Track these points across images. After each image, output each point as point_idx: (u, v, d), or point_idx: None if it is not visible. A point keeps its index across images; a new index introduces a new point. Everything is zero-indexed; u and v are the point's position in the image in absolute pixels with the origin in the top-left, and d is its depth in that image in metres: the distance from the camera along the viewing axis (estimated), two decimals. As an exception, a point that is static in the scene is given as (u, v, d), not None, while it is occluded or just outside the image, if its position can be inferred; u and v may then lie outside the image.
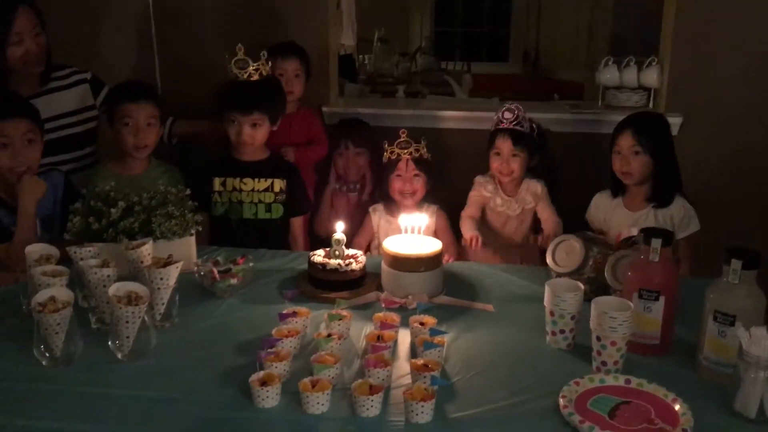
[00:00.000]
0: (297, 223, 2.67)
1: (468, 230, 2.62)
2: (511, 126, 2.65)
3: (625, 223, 2.37)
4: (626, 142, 2.40)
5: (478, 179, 2.79)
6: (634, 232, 2.06)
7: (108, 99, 2.53)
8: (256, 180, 2.57)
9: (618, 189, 2.51)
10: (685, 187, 2.48)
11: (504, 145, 2.66)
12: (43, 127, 2.34)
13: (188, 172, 2.63)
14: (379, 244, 2.73)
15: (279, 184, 2.58)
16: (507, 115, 2.67)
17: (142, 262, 1.82)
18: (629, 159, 2.40)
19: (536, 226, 2.78)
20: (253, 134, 2.52)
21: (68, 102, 2.65)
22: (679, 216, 2.41)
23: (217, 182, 2.57)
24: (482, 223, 2.75)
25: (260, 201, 2.57)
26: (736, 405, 1.44)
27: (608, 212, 2.52)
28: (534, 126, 2.70)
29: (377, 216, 2.83)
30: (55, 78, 2.64)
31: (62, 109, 2.62)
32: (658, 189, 2.42)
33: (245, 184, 2.56)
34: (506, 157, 2.66)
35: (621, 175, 2.44)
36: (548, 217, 2.68)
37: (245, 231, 2.55)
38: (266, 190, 2.57)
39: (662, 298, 1.65)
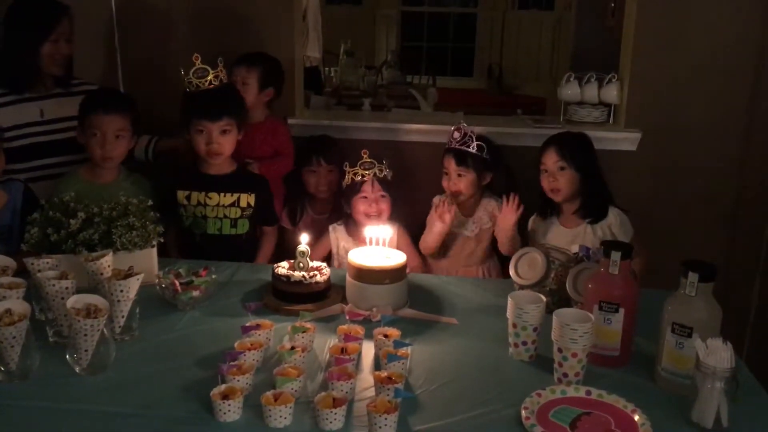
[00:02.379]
0: (270, 230, 2.67)
1: (431, 227, 2.65)
2: (456, 146, 2.66)
3: (564, 241, 2.40)
4: (551, 159, 2.48)
5: (436, 200, 2.77)
6: (575, 248, 2.11)
7: (81, 106, 2.52)
8: (222, 194, 2.51)
9: (548, 209, 2.57)
10: (643, 202, 2.53)
11: (449, 165, 2.68)
12: (3, 137, 2.38)
13: (157, 184, 2.60)
14: (340, 265, 2.70)
15: (246, 198, 2.53)
16: (455, 134, 2.68)
17: (101, 274, 1.79)
18: (556, 175, 2.46)
19: (495, 246, 2.77)
20: (223, 142, 2.47)
21: (74, 108, 2.68)
22: (617, 224, 2.46)
23: (181, 195, 2.51)
24: (441, 245, 2.73)
25: (225, 216, 2.52)
26: (694, 415, 1.47)
27: (546, 233, 2.56)
28: (483, 145, 2.67)
29: (336, 235, 2.78)
30: (69, 85, 2.76)
31: (68, 113, 2.66)
32: (589, 204, 2.48)
33: (210, 198, 2.51)
34: (452, 177, 2.68)
35: (550, 192, 2.49)
36: None
37: (209, 246, 2.50)
38: (232, 204, 2.52)
39: (622, 310, 1.68)
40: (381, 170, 2.64)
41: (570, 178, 2.46)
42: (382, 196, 2.67)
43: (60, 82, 2.73)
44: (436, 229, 2.64)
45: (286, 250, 2.70)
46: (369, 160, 2.64)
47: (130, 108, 2.52)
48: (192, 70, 2.46)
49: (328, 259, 2.80)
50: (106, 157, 2.45)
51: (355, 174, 2.64)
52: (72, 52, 2.71)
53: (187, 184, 2.53)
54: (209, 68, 2.48)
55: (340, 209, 2.83)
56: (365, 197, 2.66)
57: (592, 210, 2.47)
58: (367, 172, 2.63)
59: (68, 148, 2.64)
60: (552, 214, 2.57)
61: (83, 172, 2.51)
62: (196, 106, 2.48)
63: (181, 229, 2.54)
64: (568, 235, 2.47)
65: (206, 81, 2.47)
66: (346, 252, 2.60)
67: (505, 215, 2.55)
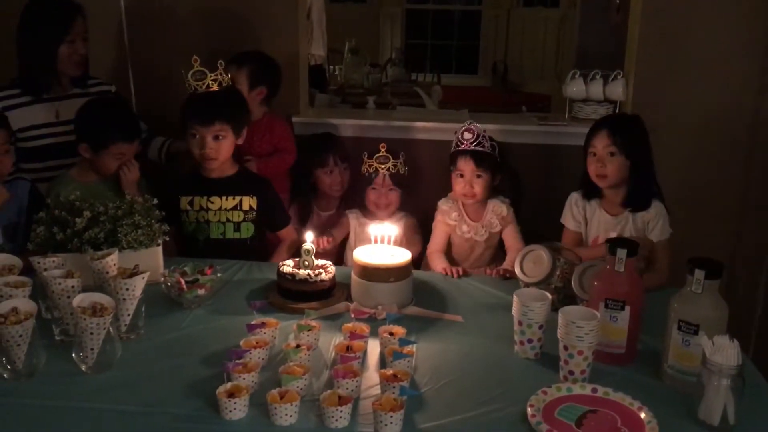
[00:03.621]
0: (285, 233, 2.61)
1: (438, 265, 2.50)
2: (471, 147, 2.60)
3: (604, 227, 2.34)
4: (601, 142, 2.29)
5: (441, 205, 2.71)
6: (614, 235, 2.07)
7: (91, 126, 2.46)
8: (224, 198, 2.45)
9: (591, 193, 2.41)
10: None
11: (466, 166, 2.59)
12: (17, 138, 2.46)
13: (156, 187, 2.58)
14: (357, 245, 2.72)
15: (248, 201, 2.47)
16: (467, 135, 2.61)
17: (107, 272, 1.80)
18: (605, 161, 2.29)
19: (503, 247, 2.74)
20: (217, 147, 2.39)
21: None
22: (655, 220, 2.32)
23: (183, 201, 2.46)
24: (448, 250, 2.69)
25: (228, 220, 2.46)
26: (700, 413, 1.47)
27: (588, 212, 2.42)
28: (494, 144, 2.65)
29: (354, 218, 2.86)
30: (86, 85, 2.78)
31: None
32: (635, 193, 2.33)
33: (212, 202, 2.46)
34: (469, 179, 2.59)
35: (596, 178, 2.32)
36: (512, 244, 2.62)
37: (213, 251, 2.42)
38: (234, 208, 2.46)
39: (628, 308, 1.68)
40: (395, 165, 2.74)
41: (619, 164, 2.27)
42: (391, 190, 2.77)
43: (77, 82, 2.73)
44: (437, 268, 2.51)
45: None
46: (384, 154, 2.74)
47: (136, 124, 2.54)
48: (190, 73, 2.43)
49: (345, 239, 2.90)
50: (101, 174, 2.48)
51: (370, 166, 2.75)
52: (88, 51, 2.72)
53: (189, 189, 2.48)
54: (207, 71, 2.44)
55: (344, 206, 2.89)
56: (375, 188, 2.77)
57: (636, 199, 2.32)
58: (381, 165, 2.73)
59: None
60: (594, 197, 2.40)
61: (75, 173, 2.50)
62: (190, 110, 2.44)
63: (184, 237, 2.49)
64: (609, 223, 2.35)
65: (203, 84, 2.43)
66: (363, 233, 2.74)
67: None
